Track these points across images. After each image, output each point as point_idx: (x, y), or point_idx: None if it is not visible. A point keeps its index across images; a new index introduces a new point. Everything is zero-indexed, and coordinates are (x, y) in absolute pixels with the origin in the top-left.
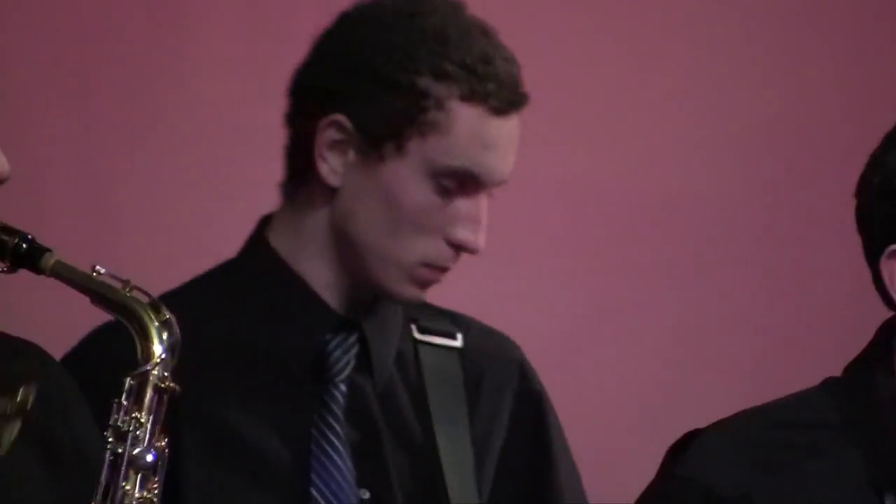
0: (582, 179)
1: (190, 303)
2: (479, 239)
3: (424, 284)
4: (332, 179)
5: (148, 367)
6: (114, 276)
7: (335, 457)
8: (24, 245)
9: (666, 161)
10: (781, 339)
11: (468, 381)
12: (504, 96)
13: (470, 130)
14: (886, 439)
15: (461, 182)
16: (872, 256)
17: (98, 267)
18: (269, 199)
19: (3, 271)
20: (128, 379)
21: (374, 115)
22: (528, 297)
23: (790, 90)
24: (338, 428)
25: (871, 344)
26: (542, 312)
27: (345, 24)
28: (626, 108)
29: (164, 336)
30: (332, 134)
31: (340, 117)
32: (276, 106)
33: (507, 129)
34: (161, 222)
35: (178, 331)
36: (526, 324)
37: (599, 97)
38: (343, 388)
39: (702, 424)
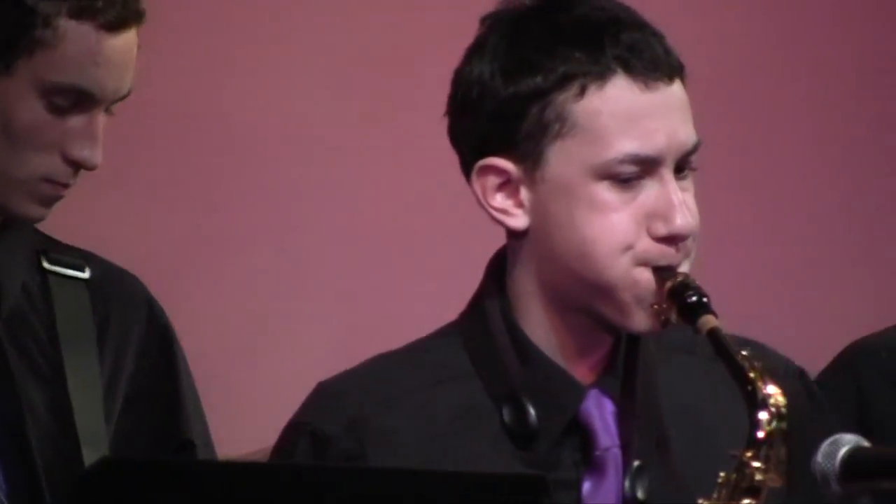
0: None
1: None
2: (94, 156)
3: (47, 201)
4: None
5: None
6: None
7: None
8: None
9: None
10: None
11: (96, 312)
12: (114, 13)
13: (79, 48)
14: (498, 361)
15: (75, 100)
16: (467, 175)
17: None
18: None
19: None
20: None
21: None
22: (131, 224)
23: None
24: None
25: (486, 275)
26: (148, 241)
27: None
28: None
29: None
30: None
31: None
32: None
33: (119, 45)
34: None
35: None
36: (130, 252)
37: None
38: None
39: (301, 354)
